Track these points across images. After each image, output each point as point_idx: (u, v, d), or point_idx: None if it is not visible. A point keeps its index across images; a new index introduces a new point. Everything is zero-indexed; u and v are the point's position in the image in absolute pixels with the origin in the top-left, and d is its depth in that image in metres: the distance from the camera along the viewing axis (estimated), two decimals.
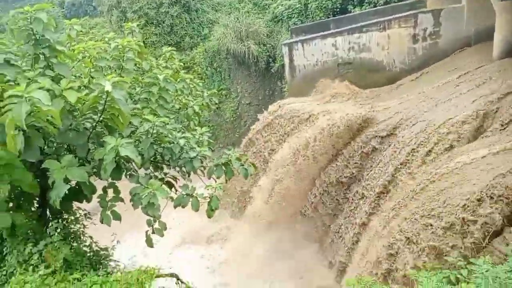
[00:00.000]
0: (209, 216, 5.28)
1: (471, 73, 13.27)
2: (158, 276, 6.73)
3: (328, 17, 21.14)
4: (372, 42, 16.82)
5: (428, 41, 16.07)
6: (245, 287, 13.60)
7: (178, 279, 6.47)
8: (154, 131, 5.11)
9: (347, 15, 19.85)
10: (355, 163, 13.17)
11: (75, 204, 6.15)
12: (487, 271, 3.28)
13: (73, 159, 4.62)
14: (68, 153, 5.21)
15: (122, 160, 5.04)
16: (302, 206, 15.05)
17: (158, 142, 5.41)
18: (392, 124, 12.55)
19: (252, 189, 16.30)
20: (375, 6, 20.00)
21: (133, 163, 5.18)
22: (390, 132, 12.45)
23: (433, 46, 16.04)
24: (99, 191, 5.45)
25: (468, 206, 7.89)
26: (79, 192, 5.29)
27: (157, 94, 6.20)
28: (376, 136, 12.72)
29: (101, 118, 5.08)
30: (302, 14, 22.56)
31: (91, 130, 5.28)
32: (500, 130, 10.02)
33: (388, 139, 12.41)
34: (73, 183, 4.90)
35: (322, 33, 18.12)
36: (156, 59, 8.54)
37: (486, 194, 7.77)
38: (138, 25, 7.80)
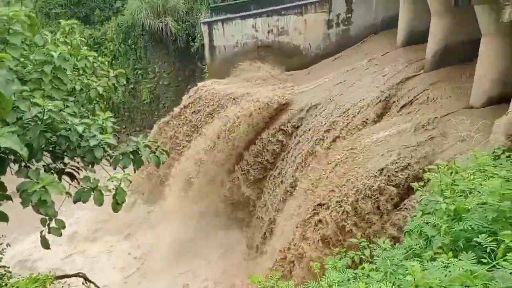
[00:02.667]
0: (115, 210, 4.81)
1: (377, 59, 14.27)
2: (62, 278, 6.09)
3: None
4: (290, 26, 17.04)
5: (341, 27, 16.79)
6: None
7: (85, 279, 5.93)
8: (45, 116, 4.45)
9: None
10: (272, 148, 13.48)
11: None
12: (385, 250, 3.47)
13: None
14: None
15: (7, 151, 4.36)
16: (223, 190, 15.00)
17: (52, 129, 4.74)
18: (306, 108, 13.05)
19: (169, 175, 15.77)
20: None
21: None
22: (303, 116, 12.94)
23: (346, 32, 16.82)
24: None
25: (369, 185, 8.59)
26: None
27: (51, 74, 5.42)
28: (290, 121, 13.12)
29: None
30: None
31: None
32: (399, 112, 11.01)
33: (302, 123, 12.88)
34: None
35: (242, 13, 17.80)
36: (54, 33, 7.56)
37: (384, 173, 8.52)
38: None
